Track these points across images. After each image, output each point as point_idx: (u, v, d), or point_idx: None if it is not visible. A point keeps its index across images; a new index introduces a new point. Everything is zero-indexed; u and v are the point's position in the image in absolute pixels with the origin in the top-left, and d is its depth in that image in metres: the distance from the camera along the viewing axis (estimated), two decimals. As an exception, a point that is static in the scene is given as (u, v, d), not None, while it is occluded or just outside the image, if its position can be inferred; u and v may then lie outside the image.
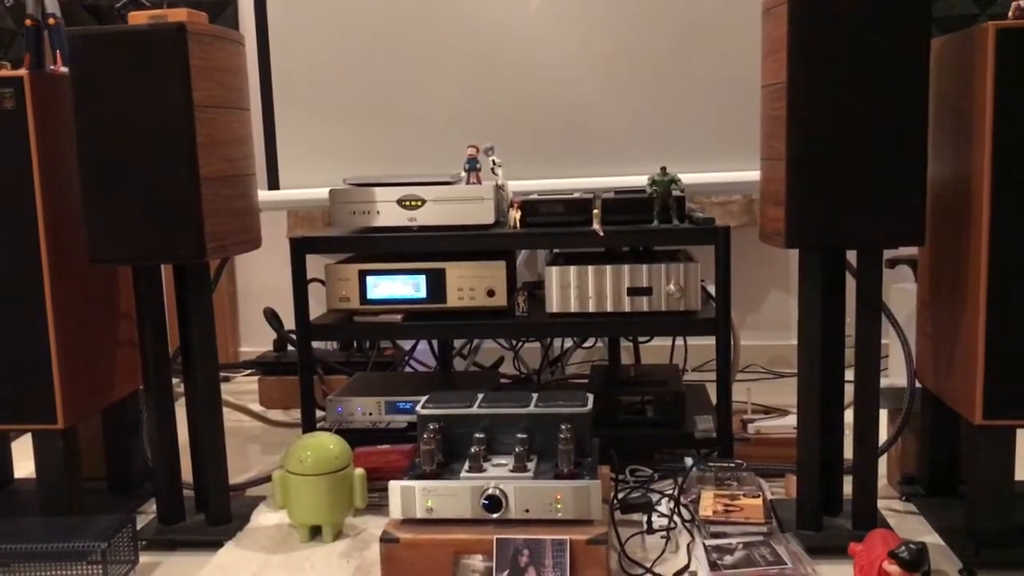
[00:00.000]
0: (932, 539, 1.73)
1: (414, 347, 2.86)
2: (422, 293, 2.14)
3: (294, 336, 2.19)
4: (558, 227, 2.13)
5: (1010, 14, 1.57)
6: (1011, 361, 1.57)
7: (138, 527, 1.80)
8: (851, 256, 1.72)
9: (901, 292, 2.44)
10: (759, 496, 1.81)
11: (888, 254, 2.20)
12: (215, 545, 1.82)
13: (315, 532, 1.84)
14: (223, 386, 2.97)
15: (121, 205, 1.69)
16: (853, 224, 1.58)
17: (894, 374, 2.38)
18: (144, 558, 1.78)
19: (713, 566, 1.59)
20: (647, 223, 2.10)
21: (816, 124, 1.56)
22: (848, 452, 1.74)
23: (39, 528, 1.72)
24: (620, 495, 1.91)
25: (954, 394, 1.70)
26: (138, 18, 1.69)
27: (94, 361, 1.91)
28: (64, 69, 1.83)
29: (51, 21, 1.85)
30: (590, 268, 2.09)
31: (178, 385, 1.97)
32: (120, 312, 2.02)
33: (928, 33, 1.53)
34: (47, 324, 1.77)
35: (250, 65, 2.56)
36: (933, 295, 1.82)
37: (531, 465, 1.70)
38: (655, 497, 1.93)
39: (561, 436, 1.68)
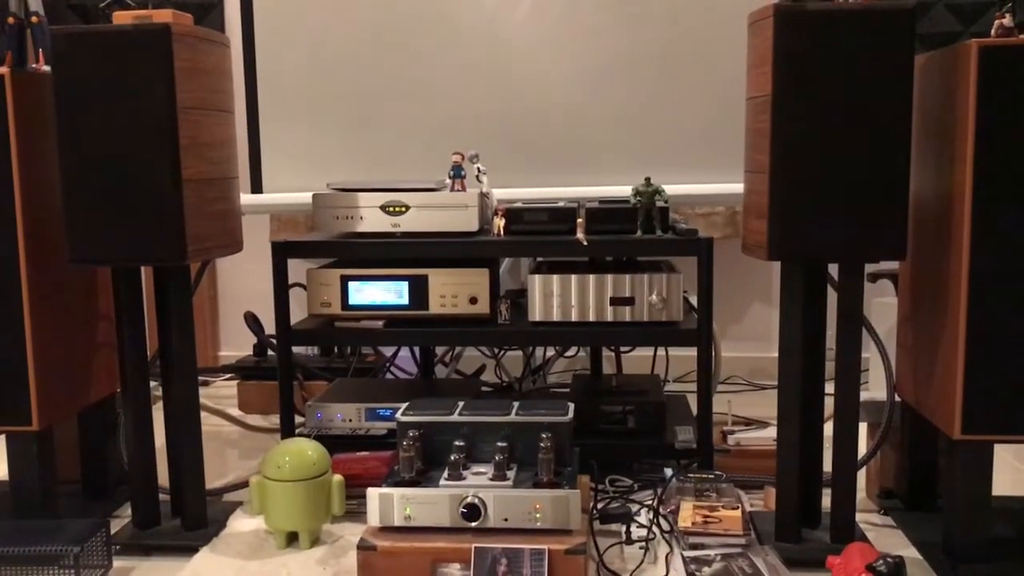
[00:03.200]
0: (910, 553, 1.74)
1: (395, 354, 2.85)
2: (404, 300, 2.13)
3: (274, 341, 2.17)
4: (542, 235, 2.13)
5: (993, 32, 1.59)
6: (990, 376, 1.58)
7: (113, 531, 1.78)
8: (833, 269, 1.73)
9: (882, 306, 2.45)
10: (738, 508, 1.81)
11: (870, 268, 2.21)
12: (190, 550, 1.80)
13: (292, 539, 1.83)
14: (202, 390, 2.95)
15: (102, 205, 1.68)
16: (835, 237, 1.58)
17: (874, 388, 2.39)
18: (118, 563, 1.76)
19: (691, 577, 1.59)
20: (631, 233, 2.10)
21: (800, 137, 1.56)
22: (827, 465, 1.74)
23: (11, 531, 1.70)
24: (599, 505, 1.91)
25: (933, 408, 1.71)
26: (123, 18, 1.68)
27: (71, 363, 1.90)
28: (46, 68, 1.81)
29: (34, 19, 1.84)
30: (573, 277, 2.08)
31: (156, 388, 1.95)
32: (99, 313, 2.00)
33: (912, 49, 1.54)
34: (24, 324, 1.75)
35: (236, 68, 2.56)
36: (914, 309, 1.83)
37: (511, 474, 1.69)
38: (634, 507, 1.93)
39: (541, 445, 1.68)
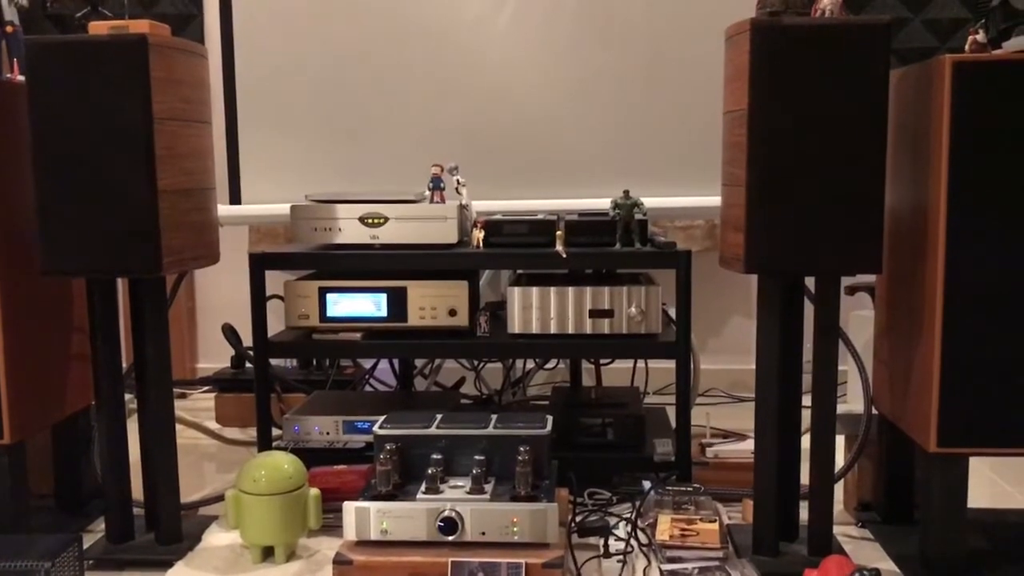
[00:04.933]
0: (887, 565, 1.74)
1: (374, 366, 2.84)
2: (383, 311, 2.12)
3: (252, 353, 2.16)
4: (521, 248, 2.12)
5: (967, 48, 1.60)
6: (966, 389, 1.59)
7: (85, 546, 1.76)
8: (810, 282, 1.73)
9: (859, 319, 2.46)
10: (716, 521, 1.81)
11: (847, 281, 2.22)
12: (165, 565, 1.78)
13: (268, 553, 1.81)
14: (179, 403, 2.93)
15: (76, 216, 1.66)
16: (811, 251, 1.59)
17: (852, 400, 2.40)
18: (90, 578, 1.74)
19: (669, 591, 1.59)
20: (610, 246, 2.10)
21: (776, 151, 1.57)
22: (805, 478, 1.74)
23: (-19, 546, 1.67)
24: (578, 518, 1.90)
25: (910, 421, 1.72)
26: (99, 28, 1.67)
27: (44, 375, 1.87)
28: (22, 78, 1.80)
29: (9, 29, 1.83)
30: (552, 289, 2.08)
31: (131, 401, 1.93)
32: (73, 325, 1.98)
33: (887, 64, 1.55)
34: (-4, 336, 1.73)
35: (215, 79, 2.55)
36: (890, 323, 1.84)
37: (488, 487, 1.68)
38: (612, 521, 1.92)
39: (519, 458, 1.67)
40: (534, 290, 2.09)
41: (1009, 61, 1.54)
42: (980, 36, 1.58)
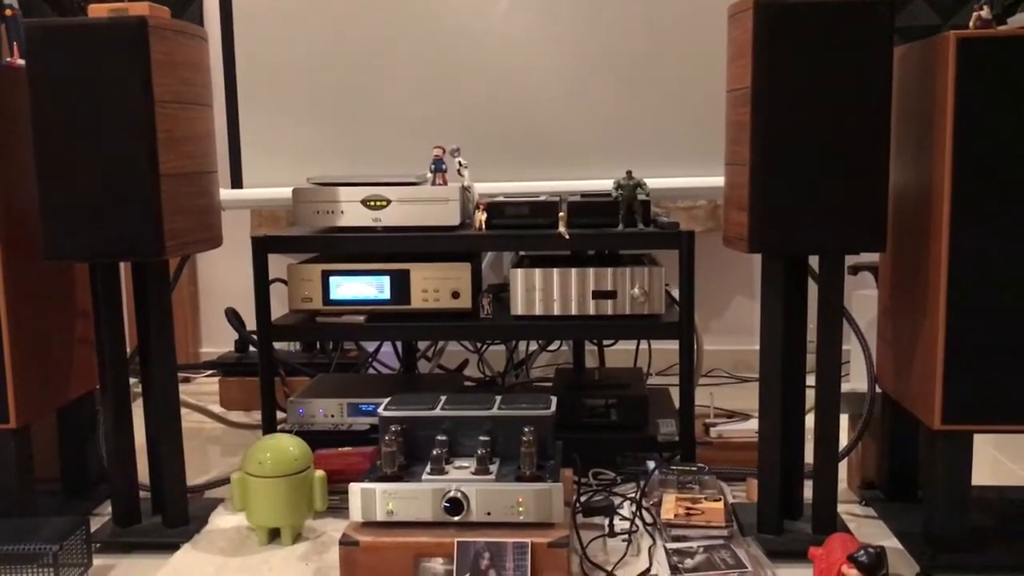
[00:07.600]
0: (891, 543, 1.75)
1: (378, 349, 2.84)
2: (386, 294, 2.12)
3: (256, 336, 2.16)
4: (524, 229, 2.12)
5: (971, 24, 1.59)
6: (969, 367, 1.59)
7: (92, 529, 1.77)
8: (814, 262, 1.73)
9: (863, 298, 2.46)
10: (720, 500, 1.81)
11: (850, 260, 2.22)
12: (171, 548, 1.79)
13: (274, 535, 1.82)
14: (184, 387, 2.94)
15: (78, 201, 1.66)
16: (815, 229, 1.59)
17: (855, 379, 2.40)
18: (98, 561, 1.75)
19: (674, 569, 1.59)
20: (612, 227, 2.10)
21: (780, 129, 1.56)
22: (809, 456, 1.75)
23: (-11, 530, 1.68)
24: (582, 498, 1.91)
25: (913, 399, 1.72)
26: (98, 11, 1.66)
27: (49, 359, 1.88)
28: (21, 61, 1.79)
29: (8, 12, 1.82)
30: (555, 271, 2.08)
31: (136, 385, 1.93)
32: (77, 310, 1.99)
33: (891, 41, 1.54)
34: (0, 321, 1.73)
35: (215, 62, 2.54)
36: (894, 301, 1.84)
37: (493, 468, 1.69)
38: (617, 500, 1.93)
39: (524, 439, 1.67)
40: (537, 272, 2.08)
41: (1014, 37, 1.53)
42: (985, 12, 1.57)
